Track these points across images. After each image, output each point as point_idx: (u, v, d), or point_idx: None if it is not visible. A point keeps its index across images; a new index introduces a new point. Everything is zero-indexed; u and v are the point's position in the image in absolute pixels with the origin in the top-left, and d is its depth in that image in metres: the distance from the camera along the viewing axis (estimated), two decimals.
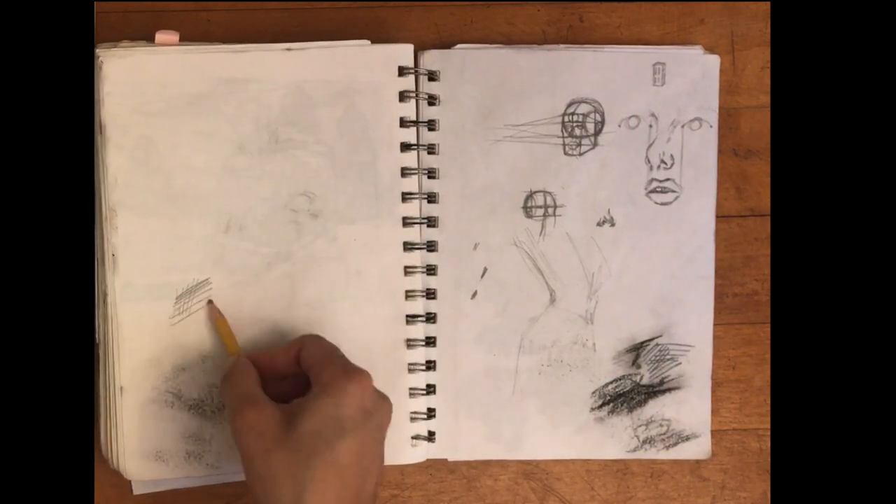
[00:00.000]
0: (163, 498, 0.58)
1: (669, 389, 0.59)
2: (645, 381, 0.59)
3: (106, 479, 0.58)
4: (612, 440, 0.59)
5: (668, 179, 0.58)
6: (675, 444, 0.59)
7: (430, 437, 0.58)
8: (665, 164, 0.58)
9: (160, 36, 0.56)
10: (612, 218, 0.58)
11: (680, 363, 0.59)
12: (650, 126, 0.58)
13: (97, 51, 0.55)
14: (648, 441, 0.59)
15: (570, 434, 0.59)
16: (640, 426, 0.59)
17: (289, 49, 0.56)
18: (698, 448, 0.59)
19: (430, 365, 0.58)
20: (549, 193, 0.58)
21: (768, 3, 0.59)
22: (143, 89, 0.55)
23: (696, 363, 0.59)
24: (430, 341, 0.58)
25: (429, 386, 0.58)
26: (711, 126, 0.58)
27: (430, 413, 0.58)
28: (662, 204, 0.58)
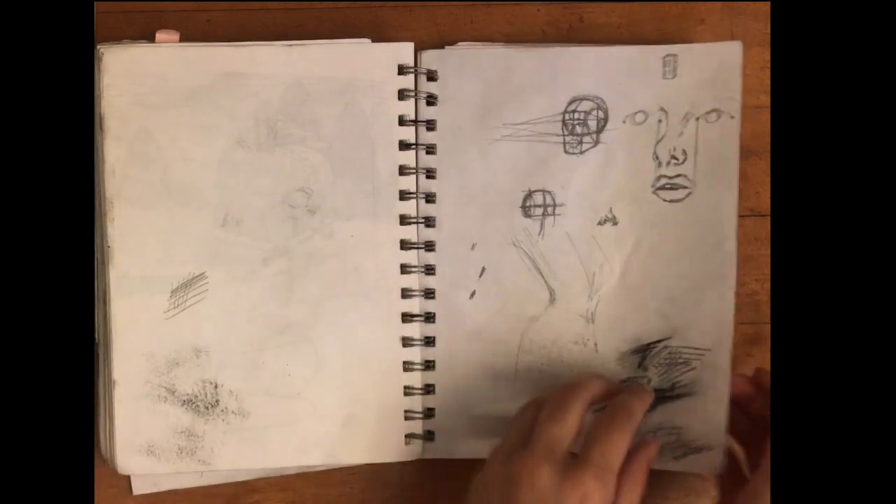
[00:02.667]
0: (162, 498, 0.58)
1: (681, 395, 0.57)
2: (653, 384, 0.58)
3: (106, 479, 0.58)
4: None
5: (679, 175, 0.57)
6: (684, 455, 0.57)
7: (429, 436, 0.58)
8: (676, 159, 0.58)
9: (160, 35, 0.56)
10: (614, 216, 0.58)
11: (694, 368, 0.57)
12: (659, 121, 0.57)
13: (100, 46, 0.55)
14: None
15: None
16: (648, 433, 0.57)
17: (290, 45, 0.56)
18: (709, 461, 0.57)
19: (428, 364, 0.58)
20: (549, 192, 0.58)
21: (768, 3, 0.59)
22: (142, 81, 0.55)
23: (713, 369, 0.57)
24: (428, 341, 0.58)
25: (427, 386, 0.58)
26: (733, 117, 0.57)
27: (429, 413, 0.58)
28: (672, 201, 0.57)
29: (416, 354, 0.58)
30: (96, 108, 0.55)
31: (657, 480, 0.59)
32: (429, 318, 0.58)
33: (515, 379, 0.58)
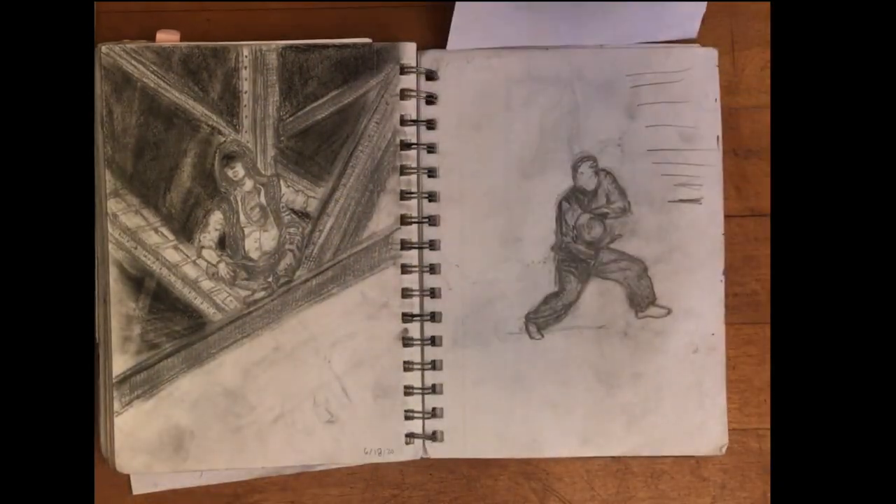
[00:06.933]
0: (162, 497, 0.58)
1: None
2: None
3: (106, 479, 0.58)
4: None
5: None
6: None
7: (433, 436, 0.58)
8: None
9: (161, 35, 0.56)
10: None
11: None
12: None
13: (102, 45, 0.55)
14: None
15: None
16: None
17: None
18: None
19: (434, 364, 0.58)
20: None
21: (768, 3, 0.59)
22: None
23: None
24: (434, 340, 0.58)
25: (434, 385, 0.58)
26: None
27: (434, 412, 0.58)
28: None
29: (416, 354, 0.58)
30: (96, 107, 0.56)
31: (657, 481, 0.59)
32: (434, 317, 0.58)
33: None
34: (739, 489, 0.59)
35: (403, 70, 0.57)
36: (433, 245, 0.58)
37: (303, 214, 0.57)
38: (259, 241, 0.57)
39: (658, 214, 0.58)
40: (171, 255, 0.56)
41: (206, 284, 0.57)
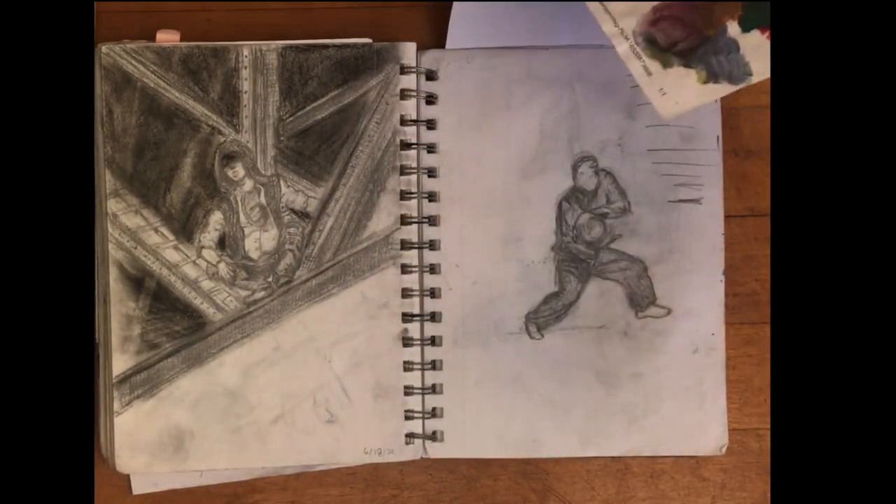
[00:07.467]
0: (162, 497, 0.58)
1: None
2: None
3: (106, 479, 0.58)
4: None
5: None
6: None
7: (433, 436, 0.58)
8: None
9: (161, 35, 0.57)
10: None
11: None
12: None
13: (102, 45, 0.55)
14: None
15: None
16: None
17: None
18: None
19: (434, 364, 0.58)
20: None
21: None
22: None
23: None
24: (434, 340, 0.58)
25: (434, 385, 0.58)
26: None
27: (434, 412, 0.58)
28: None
29: (416, 354, 0.58)
30: (96, 107, 0.56)
31: (657, 481, 0.59)
32: (434, 317, 0.58)
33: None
34: (739, 489, 0.59)
35: (403, 70, 0.57)
36: (433, 245, 0.58)
37: (303, 214, 0.57)
38: (259, 241, 0.57)
39: (658, 214, 0.58)
40: (171, 255, 0.57)
41: (206, 284, 0.57)
